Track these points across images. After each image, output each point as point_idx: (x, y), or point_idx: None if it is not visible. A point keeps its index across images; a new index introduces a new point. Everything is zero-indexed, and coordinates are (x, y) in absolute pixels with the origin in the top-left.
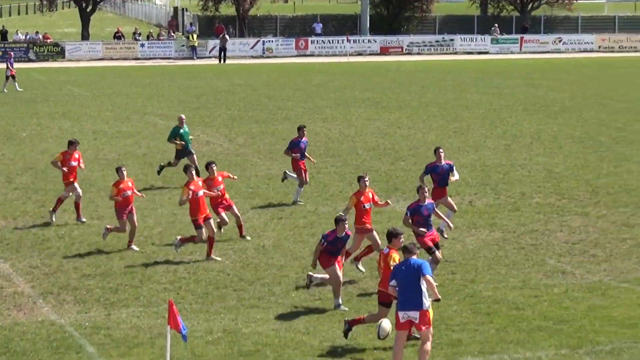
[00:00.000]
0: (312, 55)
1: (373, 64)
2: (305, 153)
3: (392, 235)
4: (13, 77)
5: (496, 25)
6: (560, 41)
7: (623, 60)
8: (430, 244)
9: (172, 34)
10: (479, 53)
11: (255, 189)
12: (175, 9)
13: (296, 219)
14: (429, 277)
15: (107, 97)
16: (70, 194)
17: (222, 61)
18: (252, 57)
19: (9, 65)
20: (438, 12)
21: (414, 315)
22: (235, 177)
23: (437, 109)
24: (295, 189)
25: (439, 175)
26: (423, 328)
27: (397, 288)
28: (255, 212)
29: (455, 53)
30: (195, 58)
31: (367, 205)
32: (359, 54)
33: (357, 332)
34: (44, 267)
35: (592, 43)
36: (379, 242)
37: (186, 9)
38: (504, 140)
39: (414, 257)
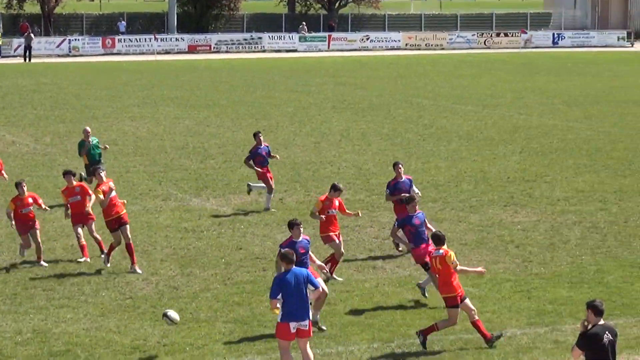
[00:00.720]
0: (119, 53)
1: (181, 63)
2: (269, 156)
3: (443, 239)
4: None
5: (304, 23)
6: (367, 39)
7: (429, 57)
8: (428, 259)
9: None
10: (287, 51)
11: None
12: None
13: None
14: (322, 289)
15: None
16: None
17: (27, 60)
18: (58, 55)
19: None
20: (246, 10)
21: (305, 324)
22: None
23: (246, 108)
24: (265, 196)
25: (401, 192)
26: (311, 334)
27: (280, 300)
28: (63, 212)
29: (264, 51)
30: None
31: (332, 212)
32: (167, 52)
33: (169, 330)
34: None
35: (399, 41)
36: (342, 251)
37: None
38: (313, 137)
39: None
